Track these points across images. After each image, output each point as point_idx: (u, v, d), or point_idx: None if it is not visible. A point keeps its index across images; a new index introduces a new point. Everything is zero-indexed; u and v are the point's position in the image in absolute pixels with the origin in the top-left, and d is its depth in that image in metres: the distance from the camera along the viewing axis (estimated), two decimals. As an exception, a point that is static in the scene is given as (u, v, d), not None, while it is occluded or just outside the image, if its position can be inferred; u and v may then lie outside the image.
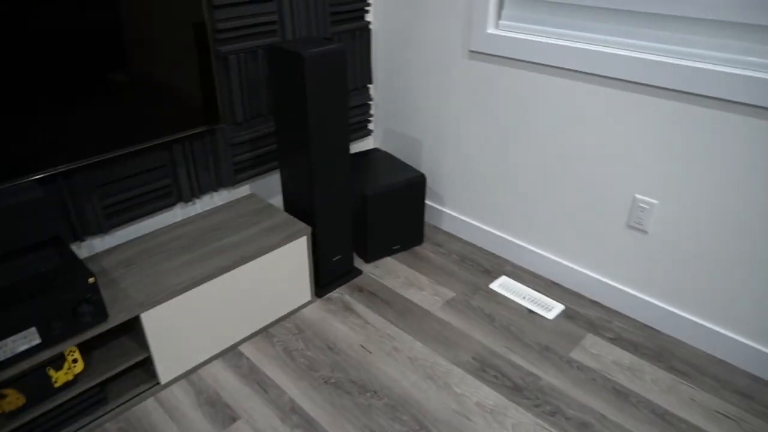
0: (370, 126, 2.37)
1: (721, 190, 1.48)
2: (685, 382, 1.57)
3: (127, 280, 1.46)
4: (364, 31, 2.10)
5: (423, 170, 2.24)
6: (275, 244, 1.63)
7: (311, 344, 1.68)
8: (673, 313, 1.70)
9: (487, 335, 1.72)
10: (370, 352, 1.65)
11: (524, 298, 1.88)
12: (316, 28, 1.92)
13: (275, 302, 1.72)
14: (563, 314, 1.82)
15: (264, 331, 1.73)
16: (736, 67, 1.36)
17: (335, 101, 1.62)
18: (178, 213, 1.78)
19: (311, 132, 1.60)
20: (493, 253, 2.13)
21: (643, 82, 1.51)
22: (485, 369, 1.60)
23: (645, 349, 1.68)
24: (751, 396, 1.53)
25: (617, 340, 1.71)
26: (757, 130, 1.36)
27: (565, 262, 1.92)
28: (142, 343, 1.45)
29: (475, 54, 1.86)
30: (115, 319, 1.33)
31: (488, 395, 1.51)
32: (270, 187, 2.07)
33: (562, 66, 1.65)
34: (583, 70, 1.61)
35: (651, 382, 1.56)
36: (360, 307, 1.83)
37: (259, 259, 1.60)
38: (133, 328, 1.49)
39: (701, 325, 1.65)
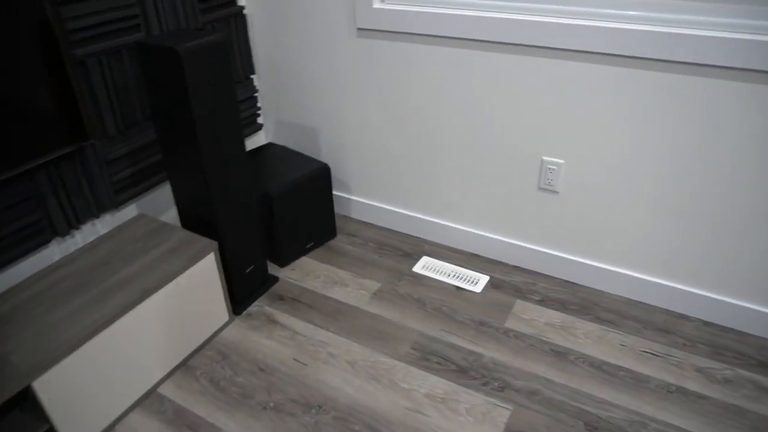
0: (260, 120, 2.19)
1: (622, 145, 1.53)
2: (611, 329, 1.63)
3: (7, 343, 1.21)
4: (239, 17, 1.91)
5: (325, 160, 2.12)
6: (180, 267, 1.45)
7: (239, 369, 1.53)
8: (590, 265, 1.76)
9: (422, 321, 1.67)
10: (305, 365, 1.54)
11: (449, 275, 1.86)
12: (185, 19, 1.71)
13: (190, 331, 1.54)
14: (490, 285, 1.82)
15: (183, 365, 1.55)
16: (625, 22, 1.39)
17: (222, 98, 1.45)
18: (55, 251, 1.52)
19: (200, 135, 1.42)
20: (410, 235, 2.08)
21: (538, 44, 1.50)
22: (427, 357, 1.55)
23: (571, 305, 1.73)
24: (670, 330, 1.62)
25: (545, 301, 1.74)
26: (651, 83, 1.41)
27: (483, 233, 1.92)
28: (40, 414, 1.22)
29: (363, 31, 1.76)
30: (-3, 394, 1.09)
31: (436, 384, 1.47)
32: (160, 203, 1.84)
33: (455, 36, 1.61)
34: (478, 38, 1.57)
35: (583, 337, 1.61)
36: (284, 317, 1.70)
37: (164, 289, 1.41)
38: (25, 398, 1.24)
39: (615, 272, 1.73)
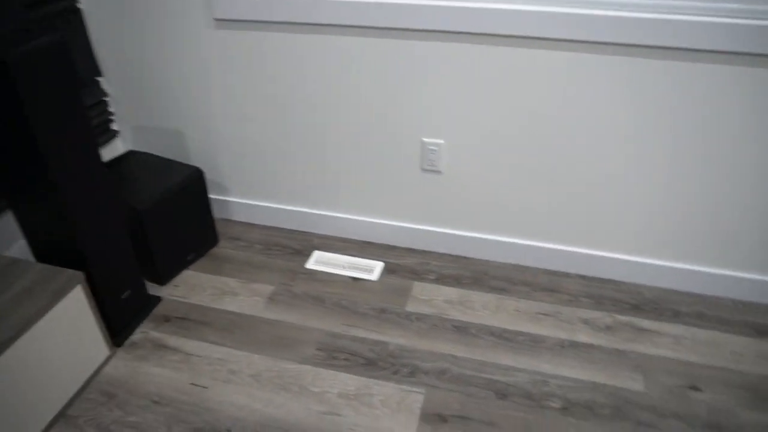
0: (114, 126, 1.97)
1: (497, 121, 1.58)
2: (505, 296, 1.71)
3: None
4: (73, 13, 1.68)
5: (195, 163, 1.96)
6: (40, 309, 1.25)
7: (130, 406, 1.38)
8: (477, 238, 1.82)
9: (323, 319, 1.62)
10: (205, 388, 1.42)
11: (344, 267, 1.82)
12: (1, 19, 1.46)
13: (64, 376, 1.35)
14: (385, 271, 1.81)
15: (62, 416, 1.35)
16: (498, 2, 1.42)
17: (66, 107, 1.26)
18: None
19: (45, 153, 1.23)
20: (297, 231, 2.00)
21: (409, 27, 1.48)
22: (334, 355, 1.51)
23: (465, 279, 1.78)
24: (555, 289, 1.73)
25: (440, 279, 1.77)
26: (521, 60, 1.46)
27: (372, 219, 1.90)
28: None
29: (223, 23, 1.63)
30: None
31: (347, 382, 1.43)
32: (3, 236, 1.59)
33: (327, 23, 1.54)
34: (350, 23, 1.52)
35: (481, 308, 1.66)
36: (174, 340, 1.56)
37: (26, 335, 1.21)
38: None
39: (500, 241, 1.80)
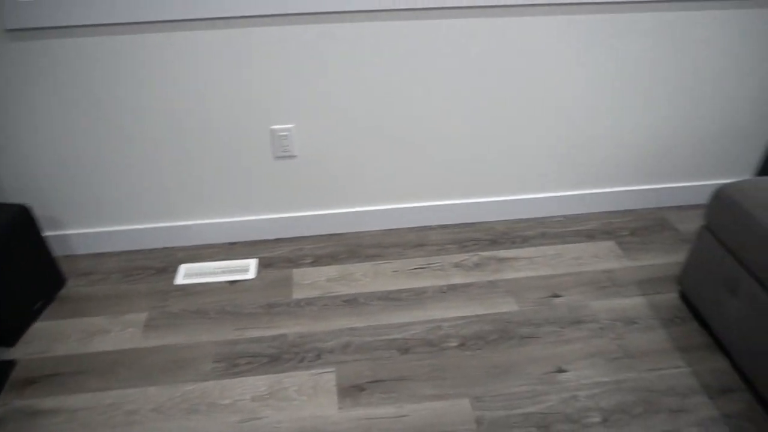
0: None
1: (343, 93, 1.62)
2: (381, 261, 1.80)
3: None
4: None
5: (17, 201, 1.70)
6: None
7: (18, 487, 1.20)
8: (343, 213, 1.88)
9: (212, 330, 1.56)
10: (104, 438, 1.30)
11: (217, 273, 1.76)
12: None
13: None
14: (261, 266, 1.78)
15: None
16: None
17: None
18: None
19: None
20: (155, 249, 1.87)
21: (224, 15, 1.45)
22: (235, 363, 1.47)
23: (340, 254, 1.83)
24: (423, 244, 1.87)
25: (317, 261, 1.80)
26: (351, 34, 1.51)
27: (233, 218, 1.84)
28: None
29: (17, 33, 1.41)
30: None
31: (256, 384, 1.41)
32: None
33: (138, 20, 1.43)
34: (160, 18, 1.43)
35: (362, 278, 1.74)
36: (48, 401, 1.38)
37: None
38: None
39: (365, 211, 1.88)
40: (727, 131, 1.89)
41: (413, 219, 1.93)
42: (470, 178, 1.86)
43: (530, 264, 1.78)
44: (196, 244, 1.88)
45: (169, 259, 1.82)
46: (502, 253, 1.82)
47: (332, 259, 1.81)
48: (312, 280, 1.73)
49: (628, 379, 1.40)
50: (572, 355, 1.47)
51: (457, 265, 1.78)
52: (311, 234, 1.92)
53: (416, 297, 1.66)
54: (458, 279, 1.72)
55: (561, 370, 1.42)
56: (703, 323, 1.56)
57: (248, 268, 1.77)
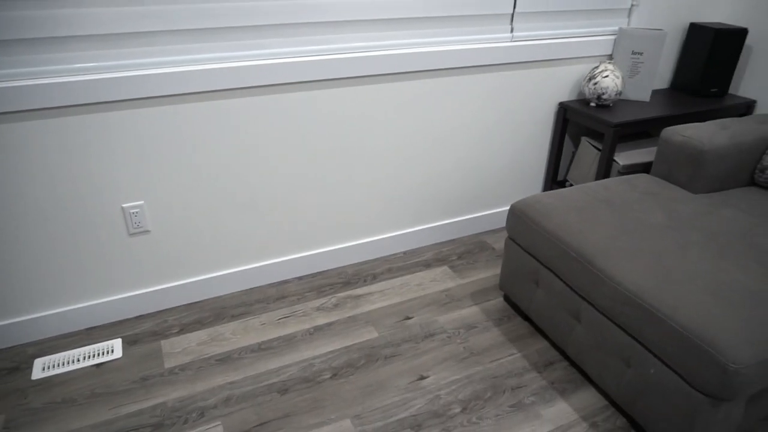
0: None
1: (196, 164, 1.75)
2: (248, 318, 1.90)
3: None
4: None
5: None
6: None
7: None
8: (202, 279, 1.95)
9: (84, 416, 1.52)
10: None
11: (80, 360, 1.70)
12: None
13: None
14: (126, 344, 1.77)
15: None
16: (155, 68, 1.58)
17: None
18: None
19: None
20: (2, 350, 1.74)
21: (70, 104, 1.53)
22: (114, 440, 1.45)
23: (206, 319, 1.89)
24: (284, 296, 2.02)
25: (185, 329, 1.84)
26: (193, 114, 1.67)
27: (88, 303, 1.81)
28: None
29: None
30: None
31: (141, 455, 1.41)
32: None
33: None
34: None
35: (232, 336, 1.82)
36: None
37: None
38: None
39: (224, 274, 1.98)
40: (519, 163, 2.37)
41: (271, 275, 2.07)
42: (318, 230, 2.07)
43: (382, 296, 2.01)
44: (49, 336, 1.80)
45: (20, 356, 1.72)
46: (357, 291, 2.04)
47: (199, 324, 1.87)
48: (182, 348, 1.76)
49: (476, 372, 1.67)
50: (430, 363, 1.71)
51: (318, 309, 1.95)
52: (174, 305, 1.95)
53: (287, 343, 1.79)
54: (322, 320, 1.89)
55: (423, 377, 1.65)
56: (524, 316, 1.91)
57: (113, 348, 1.75)
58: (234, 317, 1.90)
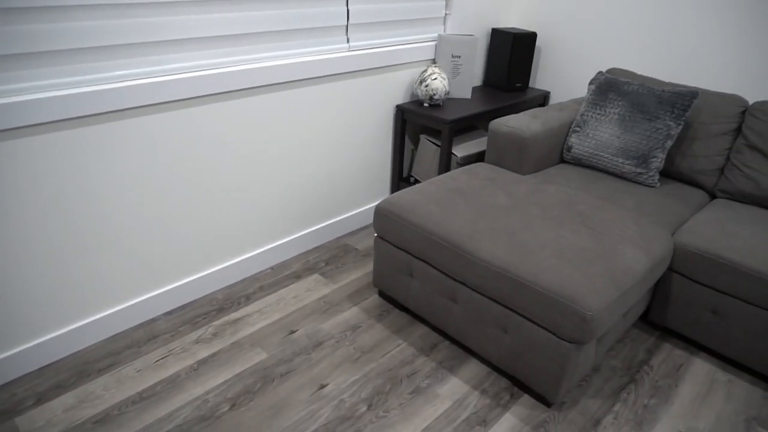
0: None
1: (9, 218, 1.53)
2: (119, 368, 1.72)
3: None
4: None
5: None
6: None
7: None
8: (49, 339, 1.71)
9: None
10: None
11: None
12: None
13: None
14: (-31, 432, 1.49)
15: None
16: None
17: None
18: None
19: None
20: None
21: None
22: None
23: (67, 381, 1.66)
24: (155, 335, 1.86)
25: (43, 398, 1.60)
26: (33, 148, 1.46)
27: None
28: None
29: None
30: None
31: None
32: None
33: None
34: None
35: (105, 391, 1.63)
36: None
37: None
38: None
39: (76, 328, 1.76)
40: (367, 165, 2.49)
41: (135, 316, 1.90)
42: (177, 260, 1.95)
43: (261, 315, 1.97)
44: None
45: None
46: (234, 316, 1.97)
47: (61, 388, 1.64)
48: (46, 419, 1.53)
49: (371, 369, 1.74)
50: (326, 370, 1.73)
51: (197, 342, 1.84)
52: (21, 373, 1.68)
53: (171, 384, 1.66)
54: (204, 352, 1.79)
55: (323, 386, 1.67)
56: (401, 307, 2.04)
57: (-49, 441, 1.46)
58: (102, 371, 1.70)
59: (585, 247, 1.65)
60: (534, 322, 1.56)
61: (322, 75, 2.11)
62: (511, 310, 1.61)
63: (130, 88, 1.59)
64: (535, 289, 1.51)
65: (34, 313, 1.65)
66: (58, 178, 1.56)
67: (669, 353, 1.87)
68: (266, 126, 2.02)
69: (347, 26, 2.17)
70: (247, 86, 1.88)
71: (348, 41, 2.20)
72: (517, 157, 2.19)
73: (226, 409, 1.58)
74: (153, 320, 1.93)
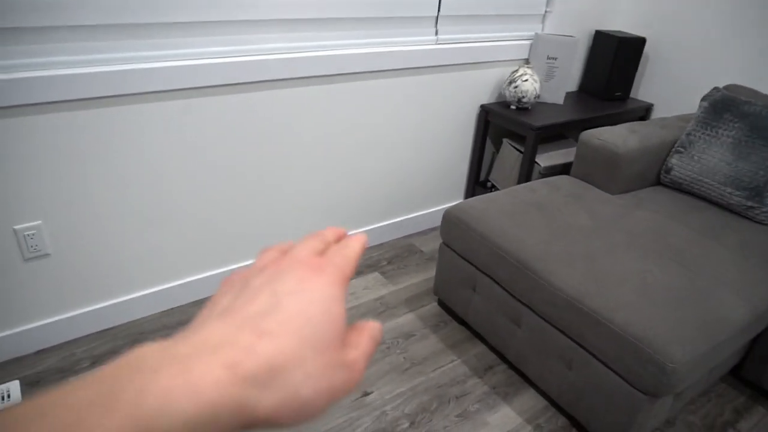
0: None
1: (93, 184, 1.55)
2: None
3: None
4: None
5: None
6: None
7: None
8: (114, 304, 1.75)
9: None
10: None
11: (-32, 409, 1.46)
12: None
13: None
14: (26, 387, 1.55)
15: None
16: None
17: None
18: None
19: None
20: None
21: None
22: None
23: (123, 348, 1.70)
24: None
25: (98, 361, 1.64)
26: (100, 120, 1.48)
27: (-25, 341, 1.56)
28: None
29: None
30: None
31: None
32: None
33: None
34: None
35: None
36: None
37: None
38: None
39: (137, 297, 1.79)
40: (443, 164, 2.38)
41: (194, 293, 1.91)
42: (241, 242, 1.94)
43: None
44: (-74, 383, 1.53)
45: None
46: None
47: (115, 354, 1.67)
48: (96, 384, 1.57)
49: (420, 383, 1.65)
50: (372, 377, 1.66)
51: (249, 327, 1.82)
52: (81, 335, 1.74)
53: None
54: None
55: (366, 393, 1.60)
56: (460, 321, 1.92)
57: (9, 393, 1.52)
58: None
59: (674, 286, 1.45)
60: (604, 363, 1.40)
61: (405, 67, 2.01)
62: (580, 345, 1.45)
63: (217, 65, 1.57)
64: (610, 327, 1.35)
65: (100, 278, 1.69)
66: (138, 152, 1.57)
67: (762, 418, 1.64)
68: (343, 116, 1.95)
69: (437, 17, 2.05)
70: (328, 73, 1.82)
71: (436, 33, 2.08)
72: (607, 174, 2.00)
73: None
74: (208, 299, 1.94)
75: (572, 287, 1.45)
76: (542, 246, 1.59)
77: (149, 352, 0.24)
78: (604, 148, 1.98)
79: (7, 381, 1.56)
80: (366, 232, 2.28)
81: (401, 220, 2.38)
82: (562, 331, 1.49)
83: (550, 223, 1.70)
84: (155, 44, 1.50)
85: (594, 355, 1.42)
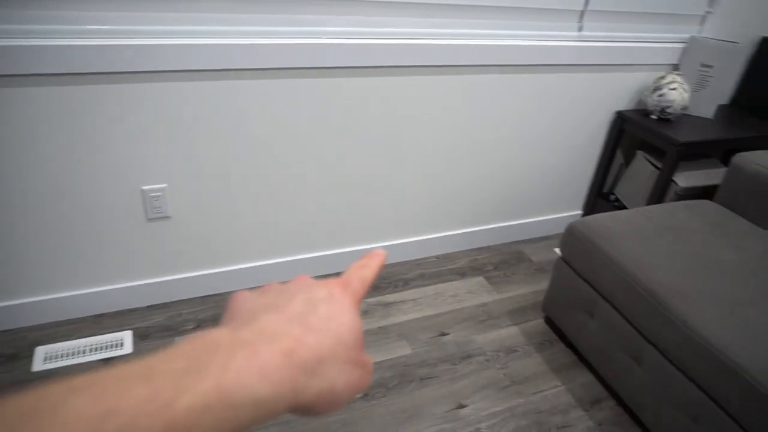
0: None
1: (217, 154, 1.57)
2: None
3: None
4: None
5: None
6: None
7: None
8: (221, 272, 1.79)
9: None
10: None
11: (86, 351, 1.55)
12: None
13: None
14: (137, 338, 1.62)
15: None
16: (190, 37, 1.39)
17: None
18: None
19: None
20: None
21: (100, 71, 1.34)
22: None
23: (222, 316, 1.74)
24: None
25: (201, 325, 1.69)
26: (222, 91, 1.49)
27: (98, 288, 1.65)
28: None
29: None
30: None
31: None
32: None
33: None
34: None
35: (253, 338, 1.67)
36: None
37: None
38: None
39: (243, 268, 1.82)
40: (564, 171, 2.21)
41: (294, 273, 1.92)
42: (348, 228, 1.91)
43: (415, 305, 1.87)
44: (54, 320, 1.64)
45: (20, 342, 1.56)
46: (388, 298, 1.89)
47: (216, 322, 1.71)
48: (198, 348, 1.61)
49: (518, 404, 1.54)
50: (468, 389, 1.57)
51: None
52: (187, 297, 1.79)
53: (312, 352, 1.64)
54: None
55: (461, 406, 1.52)
56: (568, 343, 1.78)
57: (123, 342, 1.60)
58: (254, 316, 1.75)
59: (842, 351, 1.23)
60: (741, 426, 1.22)
61: (539, 63, 1.86)
62: (714, 401, 1.28)
63: (338, 46, 1.53)
64: (756, 389, 1.17)
65: (217, 247, 1.73)
66: (269, 127, 1.57)
67: None
68: (465, 110, 1.85)
69: (583, 11, 1.88)
70: (448, 63, 1.72)
71: (580, 29, 1.91)
72: (761, 206, 1.75)
73: (358, 396, 1.51)
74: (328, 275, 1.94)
75: (713, 333, 1.27)
76: (678, 280, 1.41)
77: (221, 335, 0.27)
78: (762, 176, 1.74)
79: (121, 331, 1.64)
80: (474, 232, 2.17)
81: (511, 225, 2.25)
82: (692, 380, 1.32)
83: (689, 253, 1.51)
84: (275, 20, 1.47)
85: (732, 417, 1.24)
